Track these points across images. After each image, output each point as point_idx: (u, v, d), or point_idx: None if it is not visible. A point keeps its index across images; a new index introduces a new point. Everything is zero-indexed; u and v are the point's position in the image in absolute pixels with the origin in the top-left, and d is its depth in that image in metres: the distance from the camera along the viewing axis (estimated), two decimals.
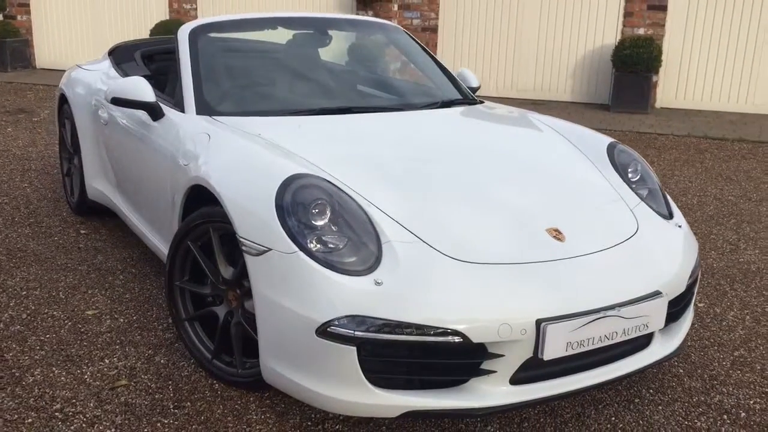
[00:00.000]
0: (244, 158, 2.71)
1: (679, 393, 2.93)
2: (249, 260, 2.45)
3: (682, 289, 2.66)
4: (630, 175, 3.09)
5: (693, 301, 2.93)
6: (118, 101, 3.33)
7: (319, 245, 2.36)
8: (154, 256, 4.05)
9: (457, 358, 2.29)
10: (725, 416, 2.80)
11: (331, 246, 2.37)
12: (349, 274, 2.30)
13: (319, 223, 2.41)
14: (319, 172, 2.59)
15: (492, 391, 2.32)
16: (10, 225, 4.60)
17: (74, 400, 2.73)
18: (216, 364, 2.84)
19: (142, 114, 3.43)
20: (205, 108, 3.25)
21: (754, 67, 9.31)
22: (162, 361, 3.01)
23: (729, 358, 3.23)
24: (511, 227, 2.57)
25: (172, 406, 2.70)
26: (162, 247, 3.43)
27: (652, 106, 9.40)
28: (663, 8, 9.40)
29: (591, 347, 2.38)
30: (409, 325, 2.22)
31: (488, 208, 2.65)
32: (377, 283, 2.27)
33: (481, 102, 3.77)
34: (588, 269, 2.47)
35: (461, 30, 10.33)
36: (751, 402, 2.91)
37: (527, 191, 2.79)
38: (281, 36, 3.94)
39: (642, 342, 2.61)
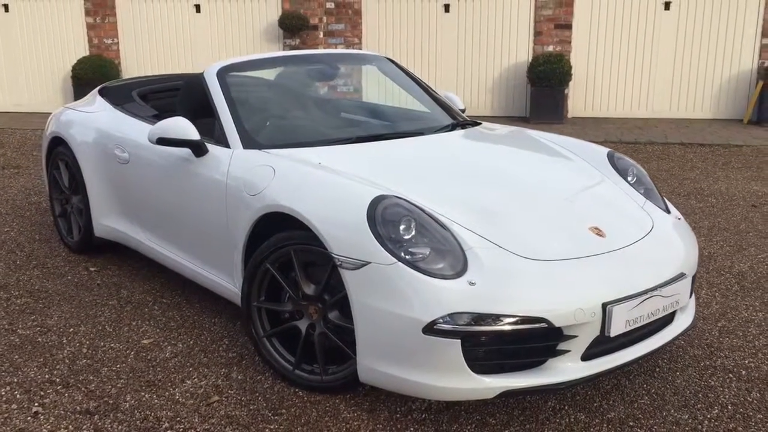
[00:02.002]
0: (322, 185, 3.03)
1: (688, 360, 3.47)
2: (346, 274, 2.78)
3: (695, 269, 3.20)
4: (629, 179, 3.62)
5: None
6: (163, 141, 3.55)
7: (408, 255, 2.73)
8: (179, 286, 4.26)
9: (540, 342, 2.71)
10: (731, 375, 3.36)
11: (419, 256, 2.73)
12: (443, 278, 2.67)
13: (407, 237, 2.77)
14: (391, 191, 2.95)
15: (568, 368, 2.76)
16: (15, 268, 4.64)
17: (178, 418, 2.95)
18: (298, 374, 3.13)
19: (181, 152, 3.67)
20: (251, 142, 3.53)
21: (651, 76, 10.32)
22: (239, 377, 3.26)
23: (715, 328, 3.82)
24: (559, 229, 3.02)
25: (270, 414, 2.97)
26: (208, 274, 3.66)
27: (565, 116, 10.23)
28: (568, 27, 10.27)
29: (641, 323, 2.86)
30: (503, 317, 2.62)
31: (536, 215, 3.09)
32: (471, 284, 2.66)
33: (480, 123, 4.23)
34: (629, 259, 2.95)
35: (384, 54, 10.83)
36: (746, 361, 3.48)
37: (562, 198, 3.26)
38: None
39: (668, 318, 3.11)
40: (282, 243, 3.05)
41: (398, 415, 2.98)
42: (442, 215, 2.91)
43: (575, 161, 3.70)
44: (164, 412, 2.99)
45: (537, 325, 2.65)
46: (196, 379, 3.24)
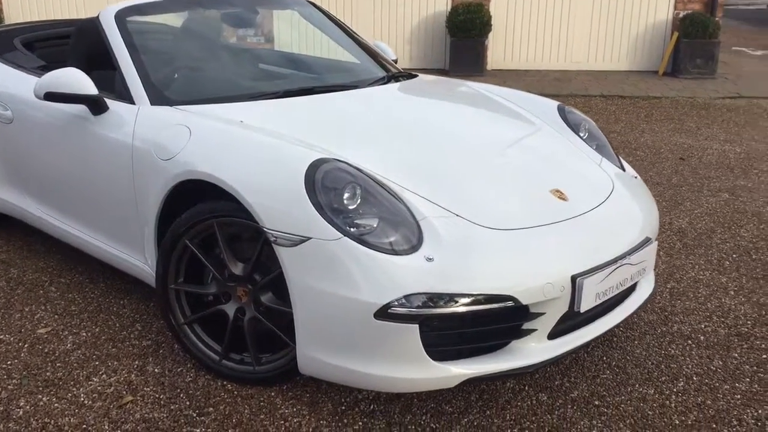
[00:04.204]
0: (248, 148, 2.59)
1: (644, 327, 3.27)
2: (283, 252, 2.38)
3: (657, 233, 2.96)
4: (582, 134, 3.34)
5: None
6: (53, 96, 3.00)
7: (354, 229, 2.35)
8: (80, 262, 3.74)
9: (506, 322, 2.41)
10: (689, 341, 3.17)
11: (366, 228, 2.36)
12: (396, 254, 2.31)
13: (351, 207, 2.39)
14: (332, 154, 2.55)
15: (535, 348, 2.47)
16: None
17: (84, 426, 2.50)
18: (226, 365, 2.73)
19: (75, 109, 3.13)
20: (159, 98, 3.03)
21: (569, 28, 10.17)
22: (156, 370, 2.83)
23: (666, 290, 3.64)
24: (520, 193, 2.70)
25: (195, 414, 2.57)
26: (114, 250, 3.18)
27: (485, 68, 9.97)
28: None
29: (610, 295, 2.60)
30: (466, 296, 2.29)
31: (493, 179, 2.76)
32: (428, 260, 2.31)
33: (416, 75, 3.85)
34: (595, 225, 2.67)
35: None
36: (702, 326, 3.31)
37: (517, 158, 2.94)
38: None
39: (630, 286, 2.87)
40: (203, 216, 2.61)
41: (344, 408, 2.63)
42: (391, 180, 2.54)
43: (526, 117, 3.38)
44: (67, 418, 2.54)
45: (503, 304, 2.33)
46: (104, 376, 2.79)
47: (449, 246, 2.36)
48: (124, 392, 2.68)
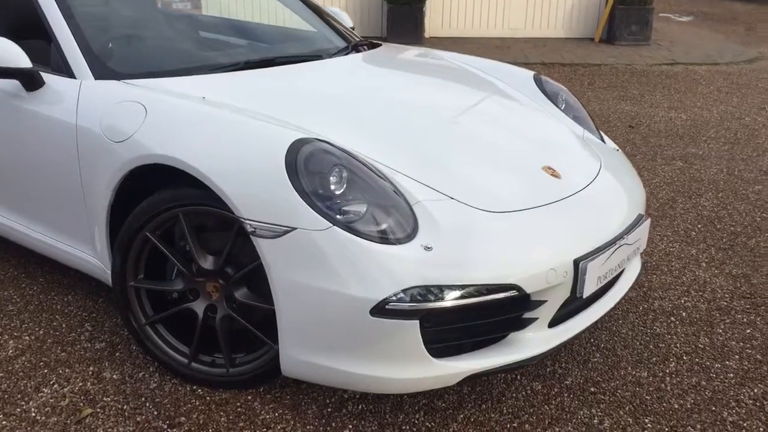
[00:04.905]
0: (217, 127, 2.30)
1: (625, 305, 3.16)
2: (263, 244, 2.13)
3: (645, 208, 2.84)
4: (560, 105, 3.18)
5: None
6: None
7: (341, 216, 2.12)
8: (15, 255, 3.38)
9: (507, 313, 2.23)
10: (672, 318, 3.09)
11: (354, 215, 2.13)
12: (390, 243, 2.10)
13: (338, 191, 2.15)
14: (311, 134, 2.30)
15: (536, 338, 2.31)
16: None
17: None
18: (196, 368, 2.47)
19: (5, 85, 2.77)
20: (104, 71, 2.69)
21: None
22: (114, 376, 2.54)
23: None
24: (512, 171, 2.52)
25: (165, 426, 2.31)
26: (57, 243, 2.85)
27: (423, 36, 9.75)
28: None
29: (610, 278, 2.46)
30: (469, 287, 2.10)
31: (483, 156, 2.56)
32: (427, 249, 2.10)
33: (380, 44, 3.60)
34: (591, 203, 2.52)
35: None
36: (682, 301, 3.24)
37: (505, 133, 2.75)
38: None
39: None
40: (166, 205, 2.33)
41: (330, 409, 2.42)
42: (378, 161, 2.31)
43: (503, 88, 3.19)
44: None
45: (506, 294, 2.15)
46: (56, 386, 2.49)
47: (447, 233, 2.16)
48: (82, 404, 2.39)
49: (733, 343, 2.91)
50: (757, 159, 5.34)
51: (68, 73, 2.71)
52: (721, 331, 3.00)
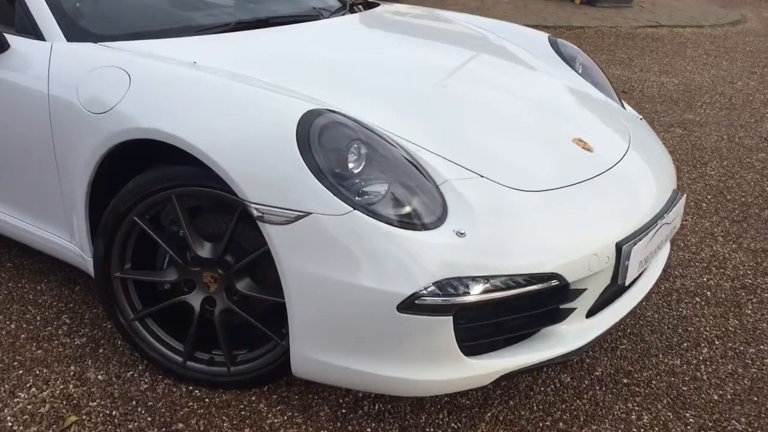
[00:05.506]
0: (212, 97, 2.00)
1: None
2: (272, 231, 1.86)
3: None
4: (578, 69, 2.94)
5: None
6: None
7: (360, 198, 1.85)
8: None
9: (547, 305, 2.00)
10: (697, 299, 2.90)
11: (374, 196, 1.87)
12: (416, 229, 1.84)
13: (357, 170, 1.89)
14: (322, 104, 2.02)
15: (573, 331, 2.08)
16: None
17: None
18: (192, 367, 2.21)
19: None
20: (78, 32, 2.37)
21: None
22: (99, 377, 2.27)
23: None
24: (541, 145, 2.27)
25: None
26: (29, 227, 2.54)
27: None
28: None
29: (650, 262, 2.24)
30: (507, 277, 1.86)
31: (509, 128, 2.31)
32: (460, 234, 1.85)
33: (378, 3, 3.30)
34: (626, 179, 2.29)
35: None
36: (705, 279, 3.05)
37: (530, 103, 2.50)
38: None
39: None
40: (157, 185, 2.04)
41: (344, 411, 2.18)
42: (397, 135, 2.04)
43: (519, 52, 2.92)
44: None
45: (547, 284, 1.92)
46: (33, 389, 2.21)
47: (480, 216, 1.91)
48: (65, 410, 2.12)
49: (765, 325, 2.74)
50: (756, 125, 5.18)
51: (36, 34, 2.38)
52: (749, 312, 2.82)
